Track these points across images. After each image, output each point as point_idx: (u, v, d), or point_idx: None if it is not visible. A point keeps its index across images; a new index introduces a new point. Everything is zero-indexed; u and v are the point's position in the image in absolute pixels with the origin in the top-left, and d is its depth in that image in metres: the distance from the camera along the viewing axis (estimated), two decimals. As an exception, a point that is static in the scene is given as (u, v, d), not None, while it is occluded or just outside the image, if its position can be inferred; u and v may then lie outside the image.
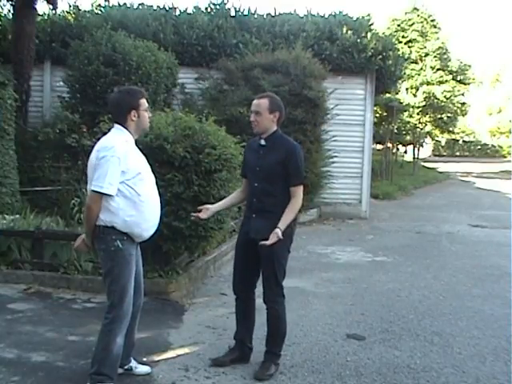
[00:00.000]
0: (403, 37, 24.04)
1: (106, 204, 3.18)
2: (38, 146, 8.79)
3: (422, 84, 23.27)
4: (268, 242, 3.48)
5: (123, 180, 3.18)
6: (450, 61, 24.29)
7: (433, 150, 43.76)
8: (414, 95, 23.13)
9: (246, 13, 11.54)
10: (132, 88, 3.56)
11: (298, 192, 3.68)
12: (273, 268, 3.66)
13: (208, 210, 3.84)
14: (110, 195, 3.15)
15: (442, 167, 30.84)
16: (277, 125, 3.77)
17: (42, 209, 7.15)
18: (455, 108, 24.38)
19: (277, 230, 3.52)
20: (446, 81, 23.62)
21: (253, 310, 3.87)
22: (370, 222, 11.14)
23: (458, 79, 24.32)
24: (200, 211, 3.83)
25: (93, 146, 3.33)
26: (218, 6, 11.51)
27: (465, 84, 24.87)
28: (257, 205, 3.72)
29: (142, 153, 3.49)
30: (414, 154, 25.11)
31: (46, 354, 3.87)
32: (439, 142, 42.08)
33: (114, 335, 3.24)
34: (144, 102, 3.37)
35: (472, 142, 46.18)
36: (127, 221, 3.20)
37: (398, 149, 26.56)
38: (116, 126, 3.33)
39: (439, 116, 24.27)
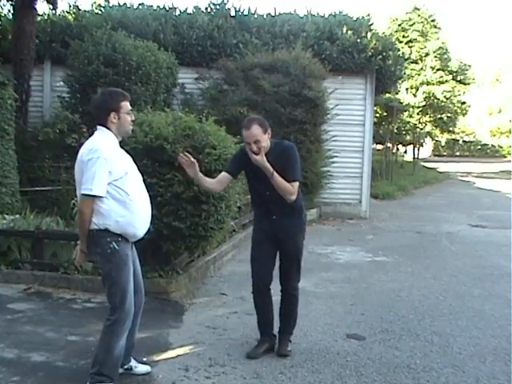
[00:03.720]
0: (403, 37, 24.03)
1: (96, 207, 3.18)
2: (38, 146, 8.79)
3: (422, 84, 23.27)
4: (259, 158, 3.67)
5: (111, 181, 3.17)
6: (450, 61, 24.28)
7: (433, 150, 43.78)
8: (414, 95, 23.13)
9: (246, 13, 11.55)
10: (115, 90, 3.51)
11: (294, 190, 3.80)
12: (297, 260, 3.99)
13: (195, 167, 3.75)
14: (100, 196, 3.15)
15: (442, 167, 30.85)
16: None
17: (42, 209, 7.15)
18: (455, 108, 24.38)
19: (269, 168, 3.67)
20: (446, 81, 23.61)
21: (271, 303, 4.06)
22: (370, 222, 11.13)
23: (458, 79, 24.32)
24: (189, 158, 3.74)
25: (79, 149, 3.32)
26: (217, 6, 11.52)
27: (465, 84, 24.87)
28: (275, 209, 3.87)
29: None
30: (413, 154, 25.12)
31: (45, 354, 3.86)
32: (439, 141, 42.10)
33: (117, 336, 3.24)
34: (126, 105, 3.35)
35: (472, 142, 46.21)
36: (120, 221, 3.20)
37: (398, 149, 26.57)
38: (99, 127, 3.33)
39: (439, 116, 24.27)
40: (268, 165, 3.69)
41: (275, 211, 3.87)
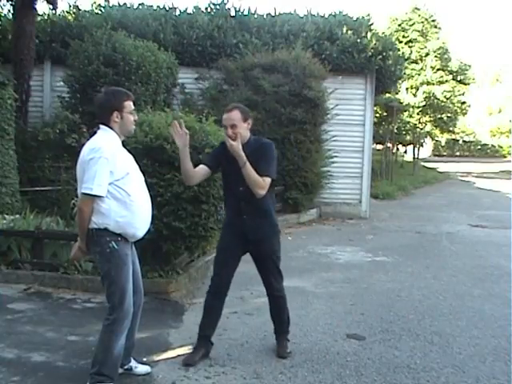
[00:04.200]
0: (404, 36, 24.03)
1: (97, 206, 3.17)
2: (38, 145, 8.80)
3: (422, 84, 23.26)
4: (235, 143, 3.59)
5: (112, 181, 3.17)
6: (450, 61, 24.28)
7: (433, 150, 43.78)
8: (414, 95, 23.12)
9: (246, 13, 11.55)
10: (118, 89, 3.51)
11: (265, 184, 3.71)
12: (274, 261, 3.93)
13: (185, 139, 3.71)
14: (100, 196, 3.14)
15: (442, 167, 30.85)
16: (249, 131, 3.82)
17: (42, 209, 7.15)
18: (455, 108, 24.38)
19: (243, 157, 3.59)
20: (446, 81, 23.61)
21: (223, 308, 3.99)
22: (370, 222, 11.13)
23: (458, 79, 24.31)
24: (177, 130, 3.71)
25: (81, 148, 3.32)
26: (218, 6, 11.52)
27: (465, 84, 24.86)
28: (246, 207, 3.79)
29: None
30: (413, 154, 25.11)
31: (45, 354, 3.87)
32: (439, 141, 42.09)
33: (116, 336, 3.24)
34: (129, 105, 3.34)
35: (472, 141, 46.19)
36: (120, 222, 3.20)
37: (398, 149, 26.56)
38: (101, 126, 3.32)
39: (439, 116, 24.26)
40: (242, 153, 3.61)
41: (246, 210, 3.79)
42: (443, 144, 44.41)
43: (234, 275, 3.93)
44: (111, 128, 3.30)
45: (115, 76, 8.62)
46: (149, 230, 3.44)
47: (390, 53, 11.52)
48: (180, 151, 3.73)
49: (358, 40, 11.12)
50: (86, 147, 3.25)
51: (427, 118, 24.19)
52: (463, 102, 25.12)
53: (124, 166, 3.25)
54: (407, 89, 23.28)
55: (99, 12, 11.57)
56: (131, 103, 3.37)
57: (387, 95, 17.49)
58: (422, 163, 29.02)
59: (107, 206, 3.18)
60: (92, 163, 3.13)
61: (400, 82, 16.72)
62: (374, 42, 11.11)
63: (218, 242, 4.07)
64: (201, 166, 3.87)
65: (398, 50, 13.06)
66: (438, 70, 23.60)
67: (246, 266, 4.16)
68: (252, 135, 3.86)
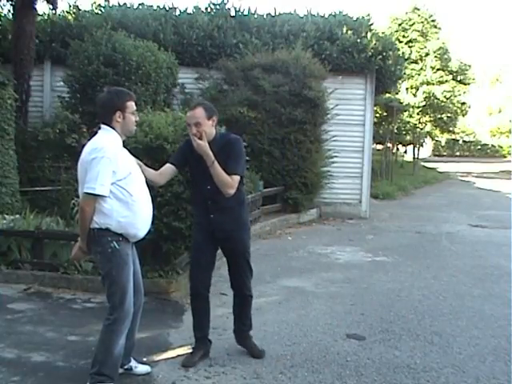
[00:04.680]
0: (404, 36, 24.03)
1: (99, 206, 3.17)
2: (38, 145, 8.80)
3: (422, 84, 23.26)
4: (201, 143, 3.56)
5: (115, 181, 3.16)
6: (450, 61, 24.27)
7: (433, 150, 43.79)
8: (414, 95, 23.12)
9: (246, 13, 11.54)
10: (120, 89, 3.52)
11: (233, 183, 3.66)
12: (246, 257, 3.90)
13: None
14: (102, 196, 3.14)
15: (442, 167, 30.85)
16: (215, 128, 3.77)
17: (42, 209, 7.15)
18: (455, 108, 24.37)
19: (211, 156, 3.56)
20: (446, 81, 23.61)
21: (209, 307, 3.98)
22: (370, 222, 11.13)
23: (458, 79, 24.32)
24: None
25: (81, 148, 3.32)
26: (218, 6, 11.51)
27: (465, 84, 24.86)
28: (213, 206, 3.74)
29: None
30: (413, 154, 25.11)
31: (45, 354, 3.87)
32: (439, 141, 42.10)
33: (116, 336, 3.24)
34: (131, 105, 3.35)
35: (472, 142, 46.20)
36: (121, 222, 3.20)
37: (398, 149, 26.56)
38: (103, 126, 3.32)
39: (439, 116, 24.26)
40: (210, 152, 3.57)
41: (213, 209, 3.73)
42: (443, 144, 44.42)
43: (211, 273, 3.90)
44: (113, 128, 3.30)
45: (115, 76, 8.62)
46: (149, 230, 3.44)
47: (390, 53, 11.51)
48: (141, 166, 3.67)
49: (358, 40, 11.12)
50: (88, 147, 3.24)
51: (427, 118, 24.19)
52: (463, 102, 25.12)
53: (126, 166, 3.25)
54: (407, 89, 23.28)
55: (99, 12, 11.57)
56: (133, 103, 3.37)
57: (387, 95, 17.49)
58: (422, 163, 29.02)
59: (109, 206, 3.17)
60: (94, 163, 3.13)
61: (400, 81, 16.70)
62: (374, 42, 11.10)
63: (192, 243, 4.02)
64: (167, 165, 3.84)
65: (398, 49, 13.05)
66: (438, 70, 23.60)
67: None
68: (218, 131, 3.83)
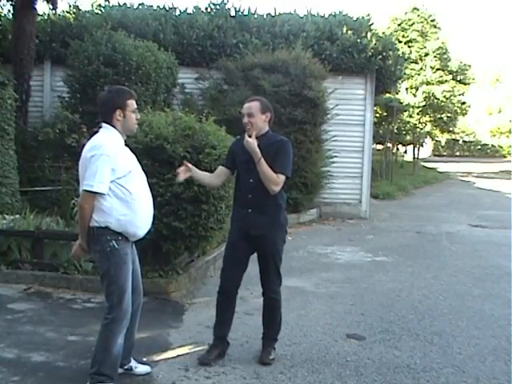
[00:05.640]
0: (403, 36, 24.05)
1: (98, 204, 3.17)
2: (38, 145, 8.80)
3: (421, 84, 23.28)
4: (250, 140, 3.67)
5: (114, 179, 3.16)
6: (449, 61, 24.29)
7: (433, 150, 43.78)
8: (414, 95, 23.13)
9: (246, 13, 11.54)
10: (121, 88, 3.52)
11: (279, 181, 3.71)
12: (275, 262, 3.86)
13: (188, 171, 3.86)
14: (101, 193, 3.14)
15: (442, 167, 30.85)
16: (268, 125, 3.86)
17: (42, 209, 7.15)
18: (455, 108, 24.38)
19: (258, 153, 3.64)
20: (446, 81, 23.62)
21: (235, 307, 3.98)
22: (370, 222, 11.13)
23: (458, 79, 24.33)
24: (181, 169, 3.86)
25: (82, 147, 3.32)
26: (217, 6, 11.51)
27: (465, 84, 24.87)
28: (253, 200, 3.77)
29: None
30: (413, 154, 25.12)
31: (45, 354, 3.87)
32: (439, 141, 42.10)
33: (114, 335, 3.23)
34: (132, 103, 3.35)
35: (472, 142, 46.21)
36: (121, 220, 3.20)
37: (398, 149, 26.56)
38: (104, 125, 3.32)
39: (439, 116, 24.27)
40: (257, 150, 3.64)
41: (252, 204, 3.75)
42: (443, 144, 44.42)
43: (243, 273, 3.89)
44: (113, 126, 3.30)
45: (115, 76, 8.62)
46: (149, 229, 3.44)
47: (390, 53, 11.51)
48: (194, 178, 4.01)
49: (358, 40, 11.12)
50: (88, 145, 3.24)
51: (427, 118, 24.20)
52: (463, 102, 25.12)
53: (126, 164, 3.24)
54: (407, 89, 23.29)
55: (99, 12, 11.57)
56: (134, 102, 3.38)
57: (387, 95, 17.48)
58: (422, 163, 29.03)
59: (109, 204, 3.17)
60: (93, 160, 3.13)
61: (400, 81, 16.70)
62: (374, 41, 11.10)
63: (227, 240, 4.05)
64: (220, 167, 4.03)
65: (398, 50, 13.05)
66: (438, 69, 23.63)
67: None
68: (270, 131, 3.89)
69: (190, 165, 3.89)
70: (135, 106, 3.39)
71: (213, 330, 3.94)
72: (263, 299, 3.98)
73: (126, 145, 3.41)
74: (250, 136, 3.71)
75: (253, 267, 4.03)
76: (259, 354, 3.92)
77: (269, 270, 3.87)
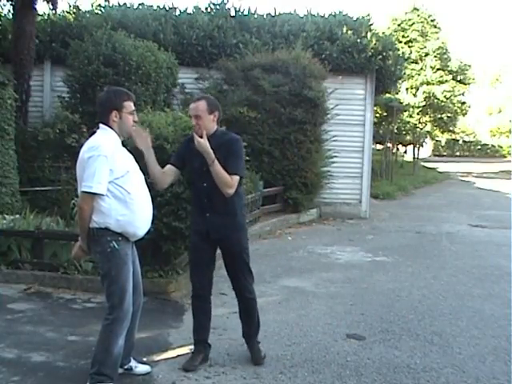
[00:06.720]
0: (403, 36, 24.04)
1: (97, 205, 3.17)
2: (38, 145, 8.80)
3: (422, 84, 23.26)
4: (202, 141, 3.51)
5: (112, 180, 3.16)
6: (449, 61, 24.29)
7: (433, 150, 43.78)
8: (414, 95, 23.12)
9: (246, 13, 11.53)
10: (119, 89, 3.50)
11: (233, 183, 3.61)
12: (244, 259, 3.78)
13: (146, 139, 3.57)
14: (100, 194, 3.14)
15: (442, 167, 30.83)
16: (217, 124, 3.74)
17: (42, 209, 7.16)
18: (455, 108, 24.37)
19: (212, 154, 3.50)
20: (446, 81, 23.61)
21: (211, 309, 3.92)
22: (370, 222, 11.13)
23: (458, 79, 24.32)
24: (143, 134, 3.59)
25: (81, 147, 3.31)
26: (218, 6, 11.51)
27: (465, 84, 24.87)
28: (209, 204, 3.68)
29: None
30: (414, 154, 25.11)
31: (45, 354, 3.87)
32: (439, 141, 42.10)
33: (115, 336, 3.23)
34: (129, 105, 3.33)
35: (472, 142, 46.21)
36: (120, 220, 3.20)
37: (398, 149, 26.55)
38: (101, 125, 3.32)
39: (439, 116, 24.26)
40: (210, 150, 3.51)
41: (209, 207, 3.66)
42: (443, 144, 44.42)
43: (212, 273, 3.84)
44: (110, 127, 3.30)
45: (115, 76, 8.62)
46: (149, 229, 3.44)
47: (390, 53, 11.51)
48: (145, 154, 3.57)
49: (358, 40, 11.11)
50: (85, 146, 3.25)
51: (427, 118, 24.19)
52: (463, 102, 25.11)
53: (124, 165, 3.24)
54: (407, 89, 23.27)
55: (99, 12, 11.56)
56: (131, 104, 3.36)
57: (387, 95, 17.47)
58: (422, 163, 29.00)
59: (107, 204, 3.17)
60: (91, 161, 3.13)
61: (400, 81, 16.70)
62: (374, 41, 11.10)
63: (189, 245, 3.95)
64: (168, 166, 3.78)
65: (398, 50, 13.05)
66: (438, 69, 23.61)
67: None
68: (219, 128, 3.78)
69: (147, 133, 3.63)
70: (133, 107, 3.37)
71: (192, 335, 3.88)
72: (238, 301, 3.90)
73: (124, 145, 3.41)
74: (200, 137, 3.57)
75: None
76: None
77: (239, 267, 3.78)
